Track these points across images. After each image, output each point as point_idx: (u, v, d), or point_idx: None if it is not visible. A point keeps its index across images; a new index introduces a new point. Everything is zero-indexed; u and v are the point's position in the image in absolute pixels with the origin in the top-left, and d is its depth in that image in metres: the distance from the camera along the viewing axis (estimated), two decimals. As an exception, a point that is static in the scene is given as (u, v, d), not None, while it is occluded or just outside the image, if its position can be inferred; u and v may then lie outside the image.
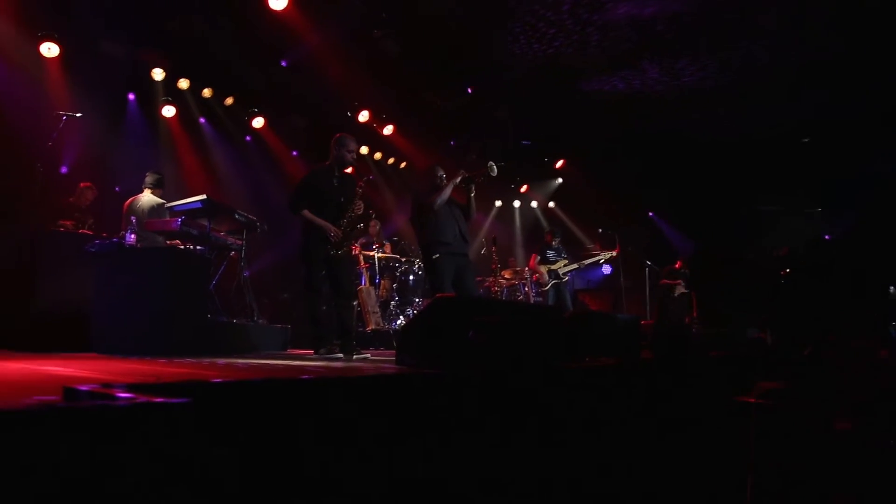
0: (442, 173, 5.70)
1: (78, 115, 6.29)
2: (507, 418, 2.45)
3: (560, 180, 13.96)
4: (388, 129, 10.58)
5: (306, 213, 5.02)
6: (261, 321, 6.68)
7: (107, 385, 1.38)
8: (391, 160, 11.91)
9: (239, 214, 6.18)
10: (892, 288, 7.51)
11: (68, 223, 6.49)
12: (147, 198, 6.59)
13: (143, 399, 1.20)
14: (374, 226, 8.91)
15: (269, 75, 9.00)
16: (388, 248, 8.85)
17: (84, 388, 1.35)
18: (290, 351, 6.25)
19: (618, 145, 11.61)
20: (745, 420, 3.12)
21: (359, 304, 7.91)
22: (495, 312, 3.42)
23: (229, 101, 9.38)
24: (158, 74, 8.37)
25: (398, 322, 8.32)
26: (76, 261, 5.23)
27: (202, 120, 9.70)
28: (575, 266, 9.06)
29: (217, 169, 9.78)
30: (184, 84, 8.73)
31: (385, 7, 7.84)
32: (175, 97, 8.92)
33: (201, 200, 5.72)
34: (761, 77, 9.29)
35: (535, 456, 2.52)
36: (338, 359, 4.62)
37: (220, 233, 6.26)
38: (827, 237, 11.16)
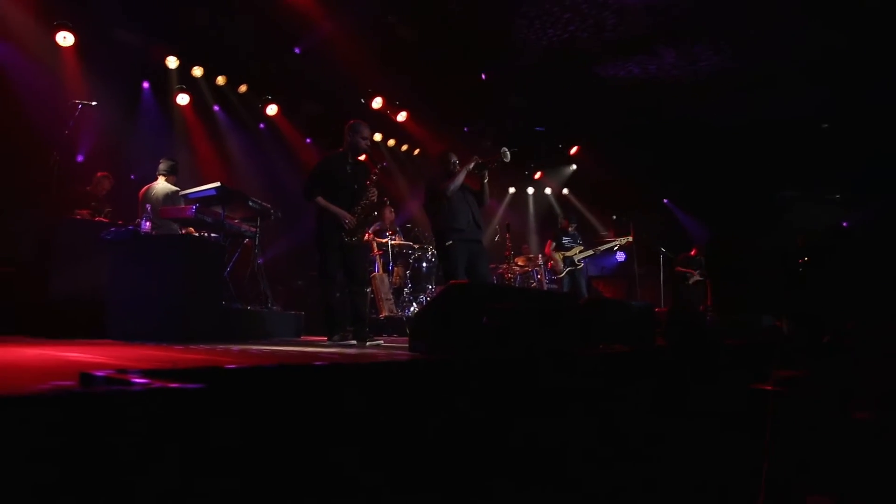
0: (455, 159, 5.67)
1: (93, 103, 6.33)
2: (520, 405, 2.45)
3: (574, 167, 13.88)
4: (401, 116, 10.55)
5: (320, 200, 5.01)
6: (275, 308, 6.71)
7: (122, 371, 1.39)
8: (405, 147, 11.89)
9: (253, 202, 6.19)
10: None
11: (85, 212, 6.55)
12: (161, 185, 6.63)
13: (158, 384, 1.21)
14: (390, 213, 8.90)
15: (283, 63, 9.00)
16: (398, 239, 8.84)
17: (100, 373, 1.36)
18: (303, 338, 6.28)
19: (633, 131, 11.50)
20: (760, 408, 3.09)
21: (372, 291, 7.92)
22: (508, 299, 3.41)
23: (243, 88, 9.39)
24: (172, 62, 8.40)
25: (411, 309, 8.33)
26: (92, 248, 5.28)
27: (216, 107, 9.72)
28: (590, 252, 9.01)
29: (231, 156, 9.82)
30: (198, 72, 8.75)
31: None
32: (189, 85, 8.94)
33: (215, 188, 5.74)
34: (780, 61, 9.15)
35: (548, 443, 2.51)
36: (351, 345, 4.63)
37: (234, 220, 6.29)
38: (845, 224, 11.03)
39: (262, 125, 10.28)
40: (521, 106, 10.71)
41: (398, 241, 8.74)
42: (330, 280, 5.05)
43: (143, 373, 1.35)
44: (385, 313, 7.98)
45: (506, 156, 5.48)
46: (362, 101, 9.93)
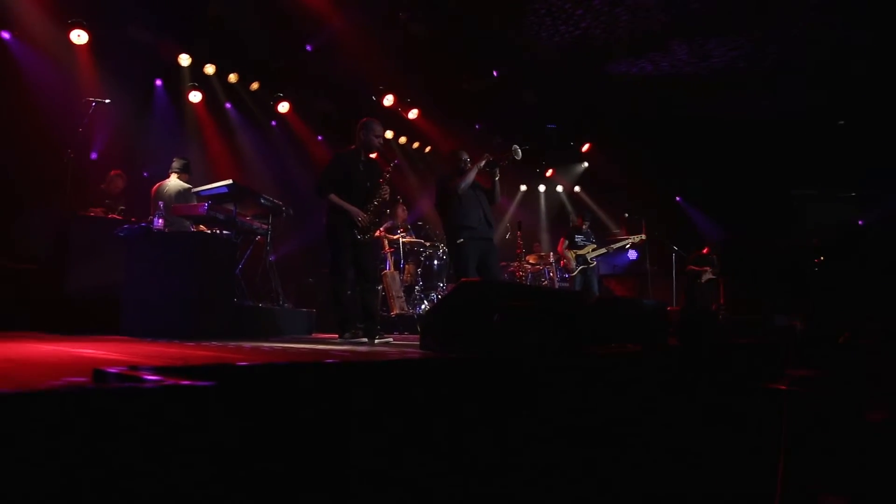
0: (466, 157, 5.66)
1: (107, 101, 6.38)
2: (531, 404, 2.44)
3: (586, 164, 13.82)
4: (413, 113, 10.54)
5: (333, 197, 5.01)
6: (286, 305, 6.74)
7: (134, 367, 1.40)
8: (416, 144, 11.88)
9: (265, 199, 6.21)
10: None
11: (99, 210, 6.60)
12: (174, 183, 6.66)
13: (169, 381, 1.21)
14: (403, 212, 8.90)
15: (295, 60, 9.02)
16: (410, 236, 8.84)
17: (113, 370, 1.36)
18: (314, 335, 6.30)
19: (644, 128, 11.43)
20: (773, 408, 3.07)
21: (383, 289, 7.93)
22: (520, 298, 3.40)
23: (255, 86, 9.42)
24: (185, 60, 8.43)
25: (422, 307, 8.34)
26: (106, 246, 5.33)
27: (228, 105, 9.76)
28: (603, 251, 8.96)
29: (243, 154, 9.86)
30: (210, 69, 8.78)
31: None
32: (201, 83, 8.98)
33: (227, 185, 5.76)
34: (795, 56, 9.06)
35: (560, 442, 2.50)
36: (362, 343, 4.64)
37: (246, 217, 6.31)
38: (861, 222, 10.91)
39: (273, 122, 10.32)
40: (532, 103, 10.66)
41: (410, 238, 8.74)
42: (341, 277, 5.06)
43: (155, 370, 1.36)
44: (396, 311, 7.99)
45: (517, 153, 5.46)
46: (374, 98, 9.94)
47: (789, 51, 8.93)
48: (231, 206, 5.93)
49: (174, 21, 7.78)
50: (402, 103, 10.29)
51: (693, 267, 10.54)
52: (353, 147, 5.25)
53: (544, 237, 13.68)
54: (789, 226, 11.72)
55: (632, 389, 3.11)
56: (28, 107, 7.00)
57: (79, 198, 6.51)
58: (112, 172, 7.22)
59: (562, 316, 3.40)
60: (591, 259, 8.79)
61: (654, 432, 3.09)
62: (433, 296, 8.50)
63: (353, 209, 4.97)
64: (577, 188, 14.31)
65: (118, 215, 6.56)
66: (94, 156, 7.95)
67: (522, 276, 8.94)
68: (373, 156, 5.40)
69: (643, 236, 9.32)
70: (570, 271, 8.87)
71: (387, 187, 5.17)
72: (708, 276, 10.43)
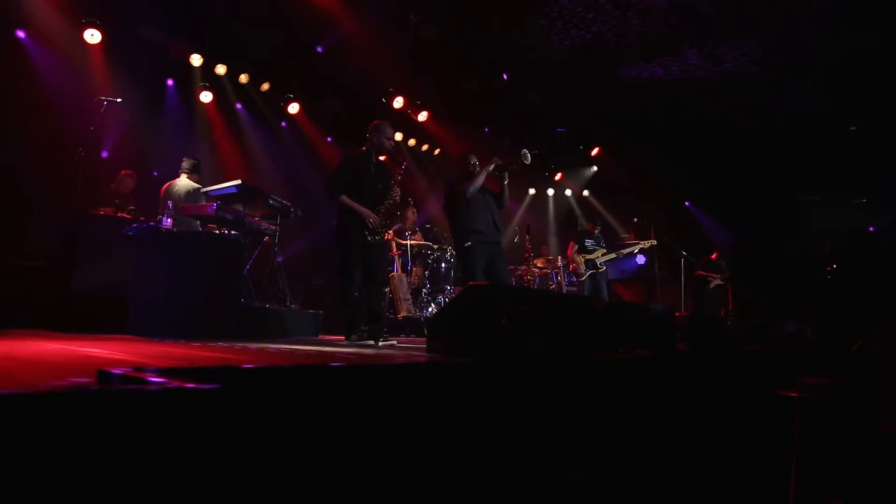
0: (475, 161, 5.64)
1: (118, 100, 6.41)
2: (538, 409, 2.42)
3: (595, 168, 13.78)
4: (422, 116, 10.54)
5: (344, 198, 4.99)
6: (293, 306, 6.73)
7: (139, 369, 1.39)
8: (425, 146, 11.88)
9: (273, 200, 6.21)
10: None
11: (109, 210, 6.62)
12: (183, 182, 6.68)
13: (174, 384, 1.20)
14: (412, 214, 8.90)
15: (305, 61, 9.04)
16: (418, 236, 8.83)
17: (117, 371, 1.35)
18: (321, 336, 6.29)
19: (654, 133, 11.39)
20: (783, 415, 3.03)
21: (390, 291, 7.92)
22: (527, 301, 3.37)
23: (265, 86, 9.44)
24: (196, 60, 8.46)
25: (429, 309, 8.32)
26: (115, 245, 5.34)
27: (239, 105, 9.79)
28: (613, 256, 8.92)
29: (252, 154, 9.88)
30: (221, 70, 8.81)
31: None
32: (212, 83, 9.01)
33: (236, 185, 5.77)
34: (806, 61, 9.00)
35: (568, 448, 2.48)
36: (369, 345, 4.62)
37: (254, 218, 6.31)
38: (871, 229, 10.82)
39: (283, 123, 10.34)
40: (542, 107, 10.64)
41: (417, 241, 8.73)
42: (349, 279, 5.04)
43: (160, 371, 1.35)
44: (403, 313, 7.98)
45: (526, 157, 5.45)
46: (383, 100, 9.94)
47: (799, 55, 8.87)
48: (240, 207, 5.93)
49: (186, 21, 7.82)
50: (412, 105, 10.29)
51: (701, 272, 10.49)
52: (363, 149, 5.24)
53: (552, 241, 13.64)
54: (797, 231, 11.64)
55: (640, 395, 3.08)
56: (41, 105, 7.04)
57: (89, 196, 6.54)
58: (122, 172, 7.25)
59: (569, 320, 3.38)
60: (600, 264, 8.75)
61: (664, 438, 3.06)
62: (440, 299, 8.48)
63: (365, 210, 4.96)
64: (585, 192, 14.26)
65: (128, 214, 6.58)
66: (104, 154, 7.99)
67: (530, 279, 8.91)
68: (381, 158, 5.39)
69: (654, 242, 9.26)
70: (579, 276, 8.84)
71: (398, 189, 5.16)
72: (716, 281, 10.37)
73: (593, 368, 2.89)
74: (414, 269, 8.65)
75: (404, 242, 8.46)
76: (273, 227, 6.48)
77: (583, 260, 8.75)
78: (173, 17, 7.65)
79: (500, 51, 9.23)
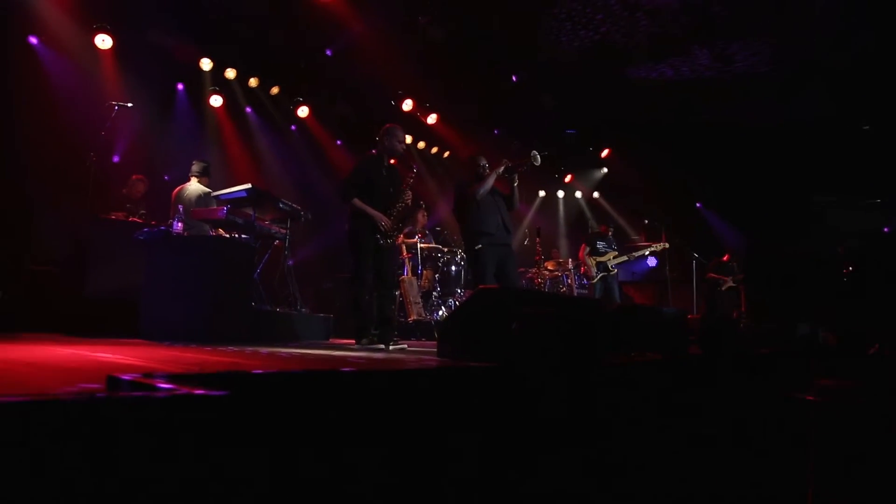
0: (484, 163, 5.63)
1: (129, 105, 6.44)
2: (549, 412, 2.39)
3: (605, 170, 13.72)
4: (431, 118, 10.53)
5: (357, 201, 4.99)
6: (304, 310, 6.74)
7: (148, 375, 1.38)
8: (434, 149, 11.87)
9: (283, 203, 6.22)
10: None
11: (120, 214, 6.66)
12: (194, 186, 6.70)
13: (183, 391, 1.19)
14: (423, 217, 8.89)
15: (315, 65, 9.05)
16: (428, 241, 8.82)
17: (126, 377, 1.35)
18: (332, 340, 6.30)
19: (665, 134, 11.32)
20: (798, 418, 3.00)
21: (401, 294, 7.91)
22: (538, 305, 3.35)
23: (275, 90, 9.47)
24: (206, 64, 8.50)
25: (440, 313, 8.31)
26: (126, 249, 5.37)
27: (248, 109, 9.82)
28: (624, 258, 8.86)
29: (262, 158, 9.91)
30: (231, 74, 8.84)
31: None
32: (222, 87, 9.04)
33: (246, 189, 5.78)
34: (817, 60, 8.92)
35: (579, 453, 2.46)
36: (379, 349, 4.61)
37: (264, 221, 6.33)
38: (886, 229, 10.71)
39: (293, 127, 10.36)
40: (551, 108, 10.61)
41: (428, 244, 8.72)
42: (362, 282, 5.01)
43: (169, 378, 1.34)
44: (414, 317, 7.97)
45: (536, 159, 5.43)
46: (392, 103, 9.94)
47: (811, 54, 8.80)
48: (250, 211, 5.95)
49: (196, 25, 7.85)
50: (421, 108, 10.29)
51: (713, 275, 10.41)
52: (374, 152, 5.25)
53: (563, 243, 13.59)
54: (810, 232, 11.53)
55: (652, 399, 3.05)
56: (52, 110, 7.09)
57: (100, 201, 6.57)
58: (133, 177, 7.28)
59: (580, 324, 3.35)
60: (611, 266, 8.70)
61: (677, 442, 3.03)
62: (451, 302, 8.47)
63: (377, 214, 4.96)
64: (595, 194, 14.20)
65: (139, 219, 6.61)
66: (116, 159, 8.03)
67: (541, 282, 8.87)
68: (392, 161, 5.39)
69: (666, 244, 9.20)
70: (590, 278, 8.79)
71: (410, 192, 5.15)
72: (728, 284, 10.29)
73: (605, 372, 2.86)
74: (424, 272, 8.64)
75: (414, 244, 8.45)
76: (283, 231, 6.49)
77: (594, 262, 8.70)
78: (183, 21, 7.68)
79: (508, 53, 9.20)
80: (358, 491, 1.55)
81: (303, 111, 9.87)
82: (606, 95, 10.36)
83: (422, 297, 8.33)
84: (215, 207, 6.01)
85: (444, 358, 3.23)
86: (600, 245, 8.81)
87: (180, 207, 5.91)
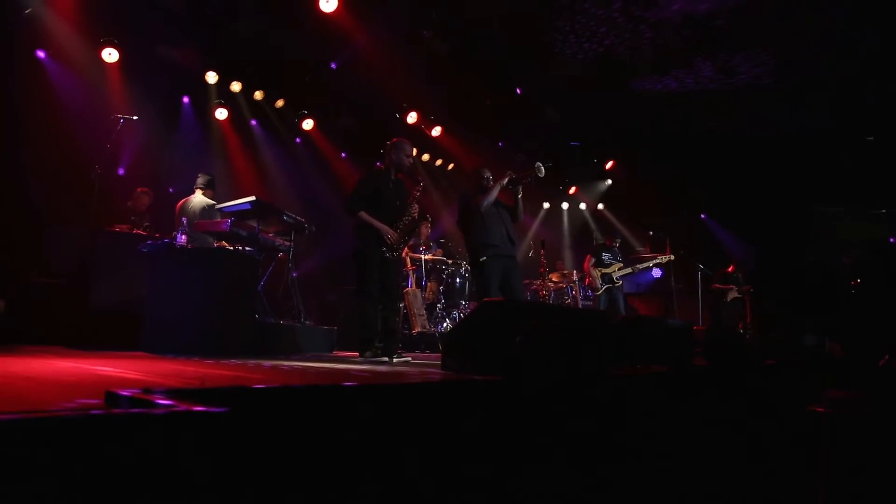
0: (488, 175, 5.63)
1: (135, 118, 6.46)
2: (554, 426, 2.37)
3: (609, 182, 13.71)
4: (436, 131, 10.55)
5: (363, 214, 4.99)
6: (308, 322, 6.72)
7: (148, 390, 1.37)
8: (439, 161, 11.89)
9: (287, 216, 6.22)
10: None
11: (125, 227, 6.66)
12: (198, 199, 6.71)
13: (182, 407, 1.17)
14: (426, 229, 8.88)
15: (319, 77, 9.09)
16: (431, 254, 8.80)
17: (125, 392, 1.33)
18: (336, 353, 6.27)
19: (669, 145, 11.31)
20: (806, 430, 2.96)
21: (405, 307, 7.89)
22: (543, 317, 3.33)
23: (280, 103, 9.50)
24: (212, 78, 8.53)
25: (444, 325, 8.28)
26: (130, 261, 5.37)
27: (253, 122, 9.85)
28: (629, 270, 8.83)
29: (267, 170, 9.93)
30: (236, 87, 8.88)
31: (434, 8, 7.82)
32: (227, 100, 9.07)
33: (250, 202, 5.78)
34: (820, 71, 8.91)
35: (586, 466, 2.43)
36: (383, 362, 4.59)
37: (268, 234, 6.32)
38: (893, 240, 10.65)
39: (298, 139, 10.39)
40: (555, 120, 10.62)
41: (432, 256, 8.71)
42: (368, 296, 4.99)
43: (168, 393, 1.32)
44: (418, 329, 7.94)
45: (540, 171, 5.42)
46: (397, 115, 9.97)
47: (814, 65, 8.79)
48: (254, 223, 5.94)
49: (202, 39, 7.89)
50: (426, 120, 10.31)
51: (718, 285, 10.36)
52: (380, 166, 5.26)
53: (567, 255, 13.56)
54: (816, 243, 11.49)
55: (659, 412, 3.01)
56: (59, 123, 7.13)
57: (105, 213, 6.58)
58: (139, 189, 7.30)
59: (585, 336, 3.32)
60: (616, 278, 8.67)
61: (683, 455, 2.99)
62: (455, 314, 8.44)
63: (383, 227, 4.95)
64: (600, 206, 14.18)
65: (143, 231, 6.62)
66: (121, 172, 8.06)
67: (545, 294, 8.83)
68: (398, 175, 5.39)
69: (671, 256, 9.16)
70: (594, 290, 8.76)
71: (416, 206, 5.15)
72: (733, 294, 10.24)
73: (611, 385, 2.83)
74: (428, 284, 8.62)
75: (418, 257, 8.44)
76: (287, 243, 6.48)
77: (599, 274, 8.67)
78: (189, 35, 7.73)
79: (512, 65, 9.22)
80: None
81: (307, 124, 9.90)
82: (611, 107, 10.36)
83: (426, 310, 8.31)
84: (219, 220, 6.01)
85: (448, 371, 3.20)
86: (605, 257, 8.79)
87: (184, 220, 5.91)
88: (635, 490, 2.65)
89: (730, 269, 10.53)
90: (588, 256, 9.00)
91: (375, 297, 5.00)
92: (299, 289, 6.97)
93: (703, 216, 13.30)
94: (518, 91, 9.75)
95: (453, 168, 12.02)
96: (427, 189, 11.30)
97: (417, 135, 10.42)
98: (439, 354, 4.81)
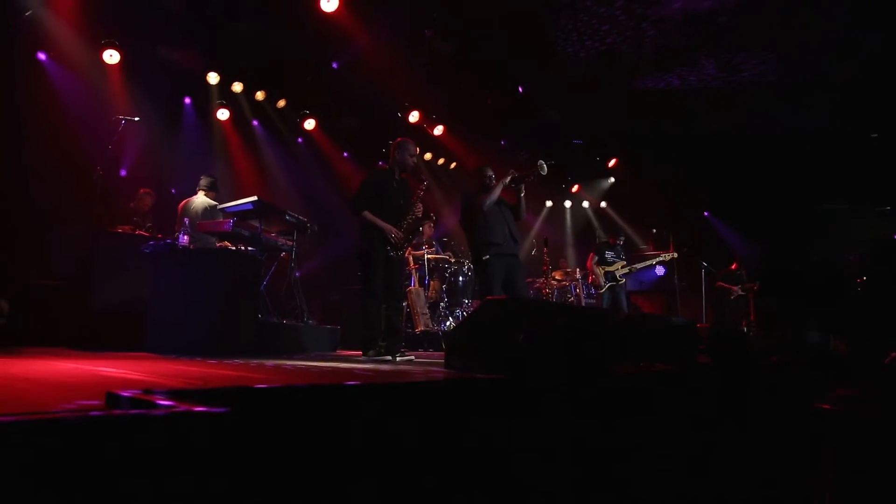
0: (491, 173, 5.62)
1: (136, 119, 6.46)
2: (558, 424, 2.35)
3: (612, 180, 13.68)
4: (438, 130, 10.53)
5: (367, 214, 4.99)
6: (310, 322, 6.71)
7: (148, 391, 1.36)
8: (441, 160, 11.88)
9: (290, 215, 6.21)
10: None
11: (127, 227, 6.67)
12: (201, 200, 6.71)
13: (182, 408, 1.16)
14: (429, 228, 8.87)
15: (321, 77, 9.08)
16: (435, 252, 8.79)
17: (126, 393, 1.32)
18: (339, 352, 6.27)
19: (672, 143, 11.28)
20: (811, 428, 2.94)
21: (408, 305, 7.88)
22: (546, 315, 3.32)
23: (282, 103, 9.49)
24: (213, 78, 8.53)
25: (447, 323, 8.27)
26: (132, 262, 5.37)
27: (255, 122, 9.85)
28: (632, 268, 8.82)
29: (269, 170, 9.93)
30: (237, 87, 8.87)
31: (435, 7, 7.80)
32: (229, 100, 9.07)
33: (253, 202, 5.77)
34: (824, 69, 8.88)
35: (589, 465, 2.41)
36: (386, 361, 4.58)
37: (271, 234, 6.32)
38: (896, 237, 10.61)
39: (299, 139, 10.38)
40: (558, 119, 10.59)
41: (435, 254, 8.70)
42: (373, 295, 4.98)
43: (169, 394, 1.31)
44: (421, 328, 7.93)
45: (542, 169, 5.41)
46: (399, 115, 9.95)
47: (818, 63, 8.76)
48: (256, 223, 5.93)
49: (203, 40, 7.89)
50: (428, 120, 10.29)
51: (722, 283, 10.34)
52: (384, 165, 5.25)
53: (570, 253, 13.54)
54: (820, 240, 11.44)
55: (662, 410, 3.00)
56: (60, 124, 7.13)
57: (107, 215, 6.58)
58: (141, 190, 7.30)
59: (588, 334, 3.31)
60: (620, 276, 8.65)
61: (686, 454, 2.97)
62: (458, 312, 8.43)
63: (387, 226, 4.95)
64: (603, 204, 14.16)
65: (145, 232, 6.62)
66: (123, 173, 8.06)
67: (548, 292, 8.83)
68: (402, 175, 5.38)
69: (674, 254, 9.14)
70: (598, 287, 8.74)
71: (420, 205, 5.15)
72: (737, 293, 10.22)
73: (614, 383, 2.82)
74: (431, 282, 8.61)
75: (421, 255, 8.43)
76: (290, 243, 6.48)
77: (602, 272, 8.66)
78: (190, 36, 7.72)
79: (515, 64, 9.20)
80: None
81: (309, 124, 9.90)
82: (613, 105, 10.34)
83: (429, 308, 8.30)
84: (221, 220, 6.01)
85: (452, 369, 3.19)
86: (609, 255, 8.77)
87: (186, 220, 5.91)
88: (639, 488, 2.63)
89: (733, 267, 10.51)
90: (591, 254, 8.98)
91: (380, 297, 4.99)
92: (302, 288, 6.97)
93: (706, 214, 13.27)
94: (520, 90, 9.73)
95: (455, 167, 12.01)
96: (429, 187, 11.30)
97: (419, 134, 10.40)
98: (442, 353, 4.80)
